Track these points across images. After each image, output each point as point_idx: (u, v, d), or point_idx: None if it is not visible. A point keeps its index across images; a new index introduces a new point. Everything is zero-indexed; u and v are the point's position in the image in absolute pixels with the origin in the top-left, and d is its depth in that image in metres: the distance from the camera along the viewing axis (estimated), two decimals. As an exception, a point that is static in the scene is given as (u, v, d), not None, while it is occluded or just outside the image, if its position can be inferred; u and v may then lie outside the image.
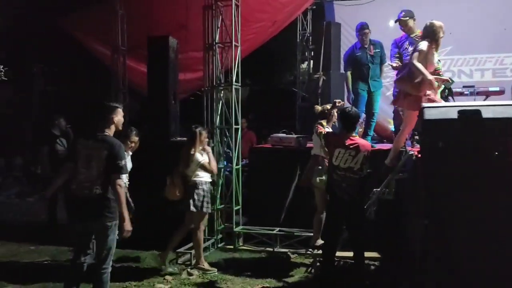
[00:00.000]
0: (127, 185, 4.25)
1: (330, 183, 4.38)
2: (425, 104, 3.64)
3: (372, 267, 4.89)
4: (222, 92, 5.75)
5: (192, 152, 4.84)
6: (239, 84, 5.83)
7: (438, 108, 3.55)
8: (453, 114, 3.41)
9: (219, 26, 5.65)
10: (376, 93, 6.41)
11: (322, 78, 7.55)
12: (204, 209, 4.91)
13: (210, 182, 5.09)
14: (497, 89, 7.07)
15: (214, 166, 5.06)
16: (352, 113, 4.43)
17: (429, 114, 3.51)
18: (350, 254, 4.42)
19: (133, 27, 6.70)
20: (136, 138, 4.62)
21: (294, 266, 5.11)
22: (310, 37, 9.29)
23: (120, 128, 3.83)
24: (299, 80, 9.49)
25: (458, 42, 8.30)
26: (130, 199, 4.30)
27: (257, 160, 6.44)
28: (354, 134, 4.45)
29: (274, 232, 5.73)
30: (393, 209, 4.80)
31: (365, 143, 4.44)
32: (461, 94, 7.00)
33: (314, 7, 9.29)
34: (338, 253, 4.53)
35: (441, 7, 8.43)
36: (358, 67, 6.34)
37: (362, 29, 6.33)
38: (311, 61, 9.77)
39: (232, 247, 5.74)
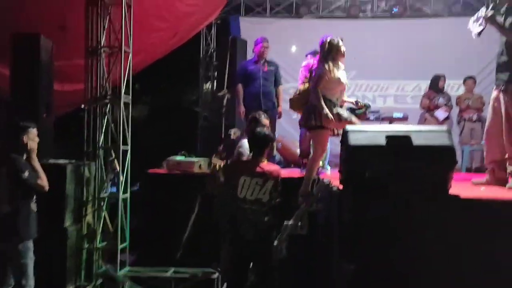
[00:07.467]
0: None
1: (233, 218, 3.74)
2: (348, 127, 3.12)
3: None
4: (109, 106, 4.76)
5: None
6: (130, 97, 4.88)
7: (364, 133, 3.04)
8: (382, 140, 2.92)
9: (105, 27, 4.70)
10: (270, 113, 5.82)
11: (227, 96, 6.96)
12: None
13: None
14: (401, 115, 7.02)
15: None
16: (260, 136, 3.86)
17: (355, 139, 2.98)
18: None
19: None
20: None
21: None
22: (215, 53, 8.70)
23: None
24: (202, 99, 8.79)
25: (362, 67, 8.37)
26: None
27: (150, 187, 5.52)
28: (262, 160, 3.89)
29: (169, 274, 4.83)
30: (308, 246, 4.21)
31: (274, 169, 3.90)
32: (366, 119, 6.85)
33: (219, 21, 8.76)
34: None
35: (346, 33, 8.36)
36: (250, 81, 6.01)
37: (262, 42, 6.08)
38: (215, 79, 9.20)
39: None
